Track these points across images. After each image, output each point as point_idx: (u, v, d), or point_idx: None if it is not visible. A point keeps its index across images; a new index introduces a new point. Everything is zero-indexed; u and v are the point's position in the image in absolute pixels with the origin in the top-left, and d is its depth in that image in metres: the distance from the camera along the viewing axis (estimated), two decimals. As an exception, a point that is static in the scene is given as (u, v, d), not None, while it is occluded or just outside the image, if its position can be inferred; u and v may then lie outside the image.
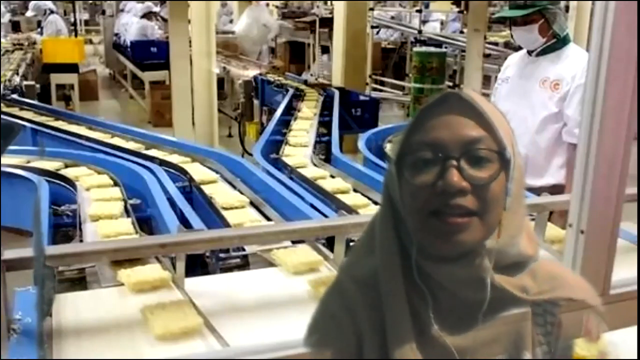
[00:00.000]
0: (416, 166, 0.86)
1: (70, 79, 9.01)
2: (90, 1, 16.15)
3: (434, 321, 0.88)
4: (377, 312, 0.88)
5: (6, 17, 13.29)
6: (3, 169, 2.97)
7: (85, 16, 16.13)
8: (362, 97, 6.49)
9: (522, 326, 0.93)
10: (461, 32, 10.38)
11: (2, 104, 5.50)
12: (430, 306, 0.88)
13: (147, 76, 9.56)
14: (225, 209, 2.73)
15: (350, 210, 2.66)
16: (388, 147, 4.03)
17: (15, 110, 5.40)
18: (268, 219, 2.68)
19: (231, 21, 12.32)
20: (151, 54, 9.95)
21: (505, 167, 0.86)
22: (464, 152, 0.84)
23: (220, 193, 2.97)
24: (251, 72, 7.69)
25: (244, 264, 2.18)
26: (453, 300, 0.89)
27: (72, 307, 1.64)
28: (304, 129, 4.45)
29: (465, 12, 9.11)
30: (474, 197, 0.84)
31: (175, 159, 3.72)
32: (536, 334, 0.93)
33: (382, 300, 0.88)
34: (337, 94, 5.86)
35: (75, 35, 11.25)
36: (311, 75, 8.93)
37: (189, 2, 5.99)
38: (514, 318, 0.91)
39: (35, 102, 6.05)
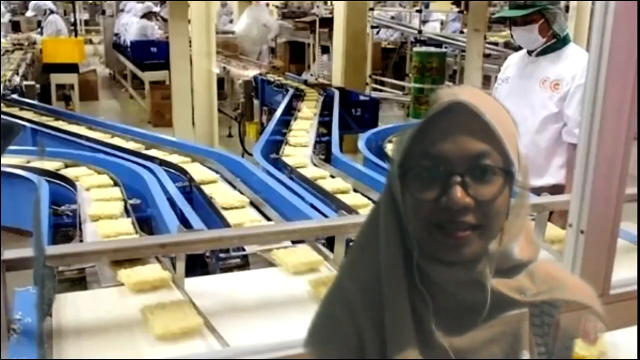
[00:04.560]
0: (420, 179, 0.85)
1: (70, 79, 9.01)
2: (90, 1, 16.15)
3: (433, 323, 0.88)
4: (378, 312, 0.88)
5: (6, 17, 13.29)
6: (3, 169, 2.97)
7: (85, 16, 16.12)
8: (362, 97, 6.49)
9: (519, 327, 0.93)
10: (461, 32, 10.38)
11: (2, 104, 5.50)
12: (431, 307, 0.88)
13: (147, 76, 9.55)
14: (225, 209, 2.73)
15: (350, 210, 2.66)
16: (388, 147, 4.03)
17: (15, 110, 5.40)
18: (268, 219, 2.69)
19: (231, 21, 12.31)
20: (151, 54, 9.94)
21: (510, 179, 0.85)
22: (468, 168, 0.83)
23: (220, 193, 2.97)
24: (251, 72, 7.69)
25: (244, 264, 2.18)
26: (452, 301, 0.89)
27: (72, 307, 1.64)
28: (304, 129, 4.45)
29: (465, 12, 9.12)
30: (478, 212, 0.83)
31: (175, 159, 3.72)
32: (533, 335, 0.92)
33: (383, 300, 0.88)
34: (337, 94, 5.87)
35: (75, 35, 11.24)
36: (311, 75, 8.92)
37: (189, 2, 5.99)
38: (511, 319, 0.92)
39: (35, 102, 6.05)
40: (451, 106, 0.84)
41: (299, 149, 3.95)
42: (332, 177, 3.31)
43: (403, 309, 0.87)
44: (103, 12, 13.51)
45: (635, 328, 1.37)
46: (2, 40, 10.02)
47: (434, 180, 0.84)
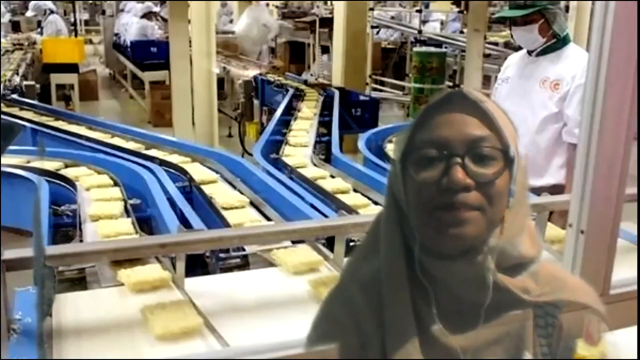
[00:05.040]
0: (421, 163, 0.86)
1: (70, 79, 9.01)
2: (90, 1, 16.15)
3: (436, 320, 0.88)
4: (380, 313, 0.89)
5: (6, 17, 13.28)
6: (3, 169, 2.97)
7: (85, 16, 16.12)
8: (362, 97, 6.50)
9: (523, 328, 0.93)
10: (461, 32, 10.38)
11: (2, 104, 5.50)
12: (433, 305, 0.88)
13: (147, 76, 9.55)
14: (225, 209, 2.73)
15: (350, 210, 2.66)
16: (388, 147, 4.03)
17: (15, 110, 5.40)
18: (268, 219, 2.68)
19: (231, 21, 12.31)
20: (151, 54, 9.95)
21: (510, 165, 0.87)
22: (468, 150, 0.85)
23: (220, 193, 2.97)
24: (251, 72, 7.69)
25: (244, 264, 2.18)
26: (454, 299, 0.89)
27: (72, 307, 1.64)
28: (304, 129, 4.45)
29: (465, 12, 9.12)
30: (478, 194, 0.85)
31: (175, 159, 3.72)
32: (537, 336, 0.92)
33: (384, 299, 0.88)
34: (337, 94, 5.87)
35: (75, 35, 11.24)
36: (311, 75, 8.93)
37: (189, 2, 5.99)
38: (514, 319, 0.91)
39: (35, 102, 6.05)
40: (450, 94, 0.88)
41: (299, 149, 3.95)
42: (332, 177, 3.31)
43: (405, 309, 0.87)
44: (103, 12, 13.51)
45: (635, 328, 1.37)
46: (2, 40, 10.02)
47: (434, 164, 0.86)
